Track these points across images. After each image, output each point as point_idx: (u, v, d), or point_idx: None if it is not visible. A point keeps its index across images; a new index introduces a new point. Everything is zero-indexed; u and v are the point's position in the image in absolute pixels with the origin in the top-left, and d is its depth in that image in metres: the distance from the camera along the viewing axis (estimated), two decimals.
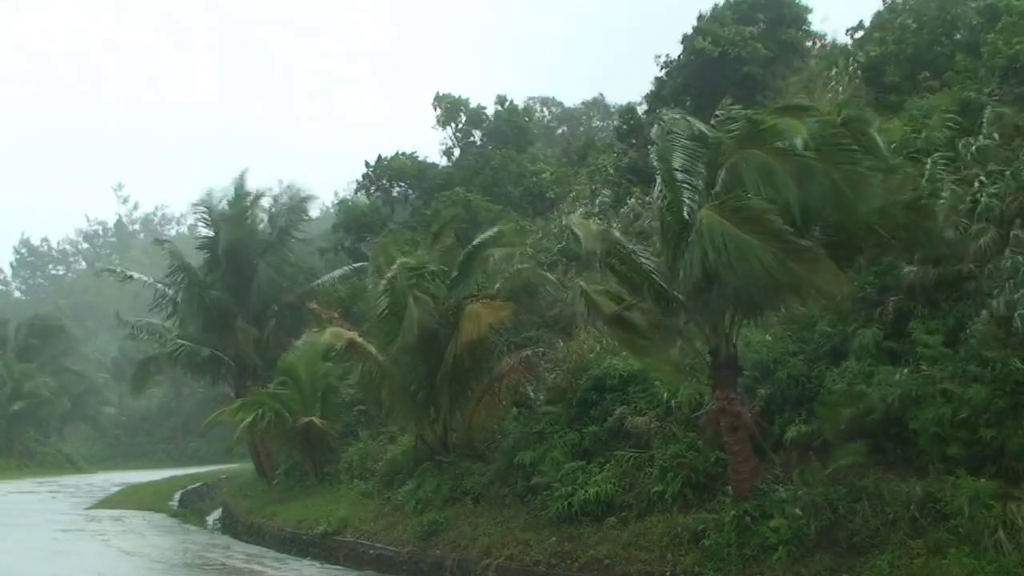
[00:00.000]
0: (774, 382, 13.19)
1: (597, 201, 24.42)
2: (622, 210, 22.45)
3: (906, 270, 12.54)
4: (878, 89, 19.21)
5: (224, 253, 28.88)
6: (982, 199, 12.66)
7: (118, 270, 32.84)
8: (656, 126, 13.33)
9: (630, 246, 12.79)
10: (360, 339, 19.14)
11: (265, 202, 30.50)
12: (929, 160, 13.54)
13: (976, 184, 13.06)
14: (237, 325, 27.70)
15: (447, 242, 19.86)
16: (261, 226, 30.20)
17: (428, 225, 25.24)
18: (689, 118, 12.57)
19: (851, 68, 20.45)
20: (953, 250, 12.28)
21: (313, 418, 22.51)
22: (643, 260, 12.37)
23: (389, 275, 18.16)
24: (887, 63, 19.63)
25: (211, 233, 29.83)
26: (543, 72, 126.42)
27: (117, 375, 64.57)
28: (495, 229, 19.39)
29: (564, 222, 13.78)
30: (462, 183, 33.92)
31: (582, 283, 13.42)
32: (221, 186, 30.73)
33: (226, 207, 29.70)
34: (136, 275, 31.00)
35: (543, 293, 19.23)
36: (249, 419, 22.27)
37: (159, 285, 29.68)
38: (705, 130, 12.09)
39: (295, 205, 30.72)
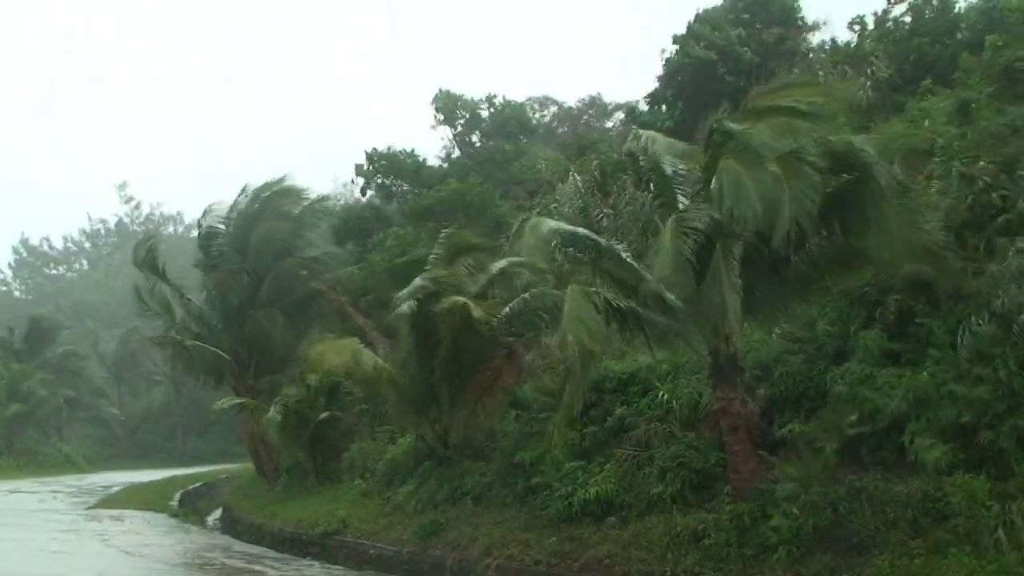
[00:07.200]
0: (774, 382, 13.19)
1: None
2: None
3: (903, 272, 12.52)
4: (885, 89, 19.18)
5: (235, 251, 28.98)
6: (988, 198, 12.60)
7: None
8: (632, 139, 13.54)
9: (616, 246, 12.79)
10: (361, 346, 19.12)
11: (278, 201, 30.45)
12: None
13: (980, 183, 13.01)
14: (247, 323, 27.79)
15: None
16: (274, 225, 30.12)
17: (419, 218, 25.01)
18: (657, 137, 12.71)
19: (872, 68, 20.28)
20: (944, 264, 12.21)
21: (330, 412, 22.68)
22: (631, 261, 12.39)
23: (413, 287, 17.80)
24: (889, 60, 19.61)
25: (222, 229, 29.81)
26: (544, 71, 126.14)
27: (117, 375, 64.64)
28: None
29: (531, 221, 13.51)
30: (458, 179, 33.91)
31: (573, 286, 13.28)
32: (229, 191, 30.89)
33: (241, 207, 29.81)
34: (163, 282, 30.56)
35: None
36: (279, 419, 22.55)
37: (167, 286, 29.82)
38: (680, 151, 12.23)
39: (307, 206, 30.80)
